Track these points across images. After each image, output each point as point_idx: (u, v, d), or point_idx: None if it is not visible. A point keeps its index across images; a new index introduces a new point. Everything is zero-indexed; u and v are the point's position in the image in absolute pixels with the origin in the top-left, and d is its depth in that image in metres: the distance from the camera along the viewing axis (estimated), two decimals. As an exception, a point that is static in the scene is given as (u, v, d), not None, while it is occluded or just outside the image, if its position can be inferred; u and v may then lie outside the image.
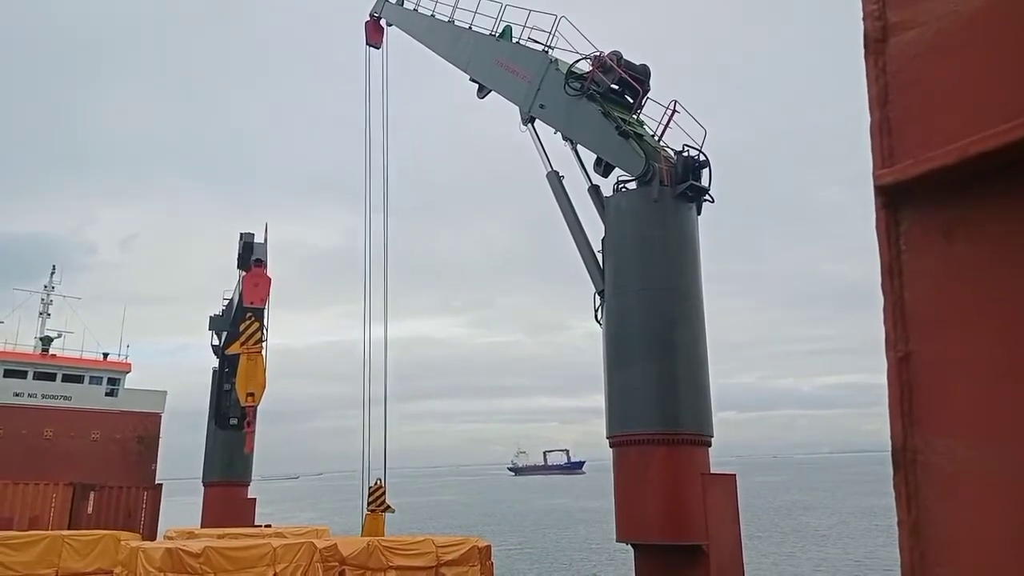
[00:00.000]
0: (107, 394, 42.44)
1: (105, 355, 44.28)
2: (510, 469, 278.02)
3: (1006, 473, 1.10)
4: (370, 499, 26.62)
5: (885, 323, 1.26)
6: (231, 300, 38.18)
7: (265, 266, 33.22)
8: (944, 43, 1.24)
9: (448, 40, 26.06)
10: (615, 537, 17.72)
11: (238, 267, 35.26)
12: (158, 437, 41.76)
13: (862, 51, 1.32)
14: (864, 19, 1.34)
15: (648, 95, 20.66)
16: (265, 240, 34.17)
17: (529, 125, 21.94)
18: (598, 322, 18.89)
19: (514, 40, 22.95)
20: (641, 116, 20.80)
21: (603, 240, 19.14)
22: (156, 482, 35.89)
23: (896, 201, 1.28)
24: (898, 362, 1.25)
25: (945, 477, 1.17)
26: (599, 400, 18.63)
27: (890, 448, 1.22)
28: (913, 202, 1.26)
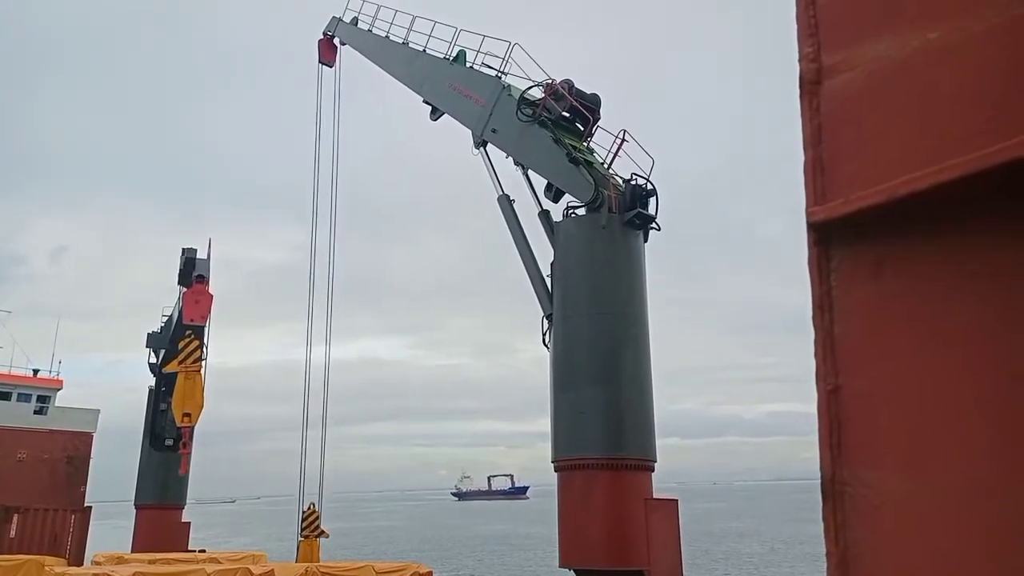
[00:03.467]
0: (36, 412, 40.74)
1: (35, 371, 42.61)
2: (454, 494, 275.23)
3: (931, 504, 1.12)
4: (303, 524, 26.02)
5: (816, 356, 1.28)
6: (170, 317, 37.18)
7: (207, 283, 32.50)
8: (876, 86, 1.28)
9: (402, 62, 26.13)
10: (558, 562, 17.67)
11: (179, 283, 34.40)
12: (89, 457, 40.21)
13: (797, 92, 1.37)
14: (800, 61, 1.39)
15: (598, 124, 21.04)
16: (208, 256, 33.46)
17: (481, 149, 22.09)
18: (546, 346, 18.98)
19: (468, 65, 23.15)
20: (591, 144, 21.16)
21: (552, 264, 19.31)
22: (85, 504, 34.48)
23: (827, 238, 1.30)
24: (828, 395, 1.27)
25: (872, 509, 1.19)
26: (545, 424, 18.68)
27: (819, 479, 1.24)
28: (844, 239, 1.28)
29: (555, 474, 18.01)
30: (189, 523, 35.42)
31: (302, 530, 25.90)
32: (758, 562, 58.49)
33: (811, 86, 1.37)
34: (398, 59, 26.43)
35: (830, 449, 1.25)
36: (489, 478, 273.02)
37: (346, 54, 32.25)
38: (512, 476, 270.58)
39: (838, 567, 1.21)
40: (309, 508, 25.99)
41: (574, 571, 17.54)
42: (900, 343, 1.20)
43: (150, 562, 20.45)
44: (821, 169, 1.32)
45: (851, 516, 1.21)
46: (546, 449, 18.52)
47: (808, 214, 1.32)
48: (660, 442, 18.13)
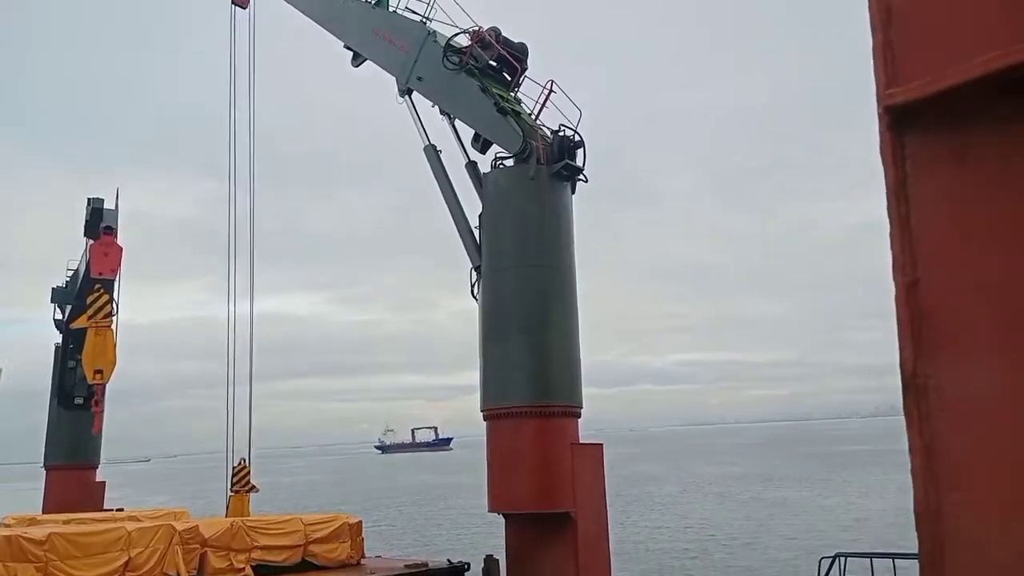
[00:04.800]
0: (-69, 372, 38.35)
1: (-72, 329, 40.01)
2: (377, 447, 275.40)
3: (1017, 396, 1.11)
4: (234, 479, 25.68)
5: (892, 247, 1.25)
6: (76, 270, 35.39)
7: (116, 234, 31.01)
8: None
9: (322, 3, 25.11)
10: (487, 508, 18.01)
11: (85, 235, 32.66)
12: (-9, 419, 38.28)
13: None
14: None
15: (525, 74, 20.83)
16: (116, 206, 31.81)
17: (406, 97, 21.58)
18: (474, 297, 19.00)
19: (391, 9, 22.45)
20: (519, 94, 20.97)
21: (480, 216, 19.23)
22: (-10, 467, 32.93)
23: (902, 122, 1.25)
24: (906, 287, 1.24)
25: (956, 402, 1.17)
26: (468, 378, 18.90)
27: (899, 374, 1.23)
28: (921, 123, 1.23)
29: (475, 426, 18.27)
30: (104, 483, 34.36)
31: (232, 485, 25.55)
32: (670, 502, 61.28)
33: None
34: (317, 1, 25.39)
35: (911, 343, 1.23)
36: (413, 430, 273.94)
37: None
38: (436, 428, 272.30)
39: (923, 460, 1.20)
40: (239, 464, 25.63)
41: (503, 515, 17.93)
42: (983, 233, 1.17)
43: (65, 522, 19.79)
44: (892, 51, 1.26)
45: (935, 409, 1.20)
46: (469, 402, 18.75)
47: (882, 97, 1.27)
48: (580, 391, 18.49)
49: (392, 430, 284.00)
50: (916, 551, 1.27)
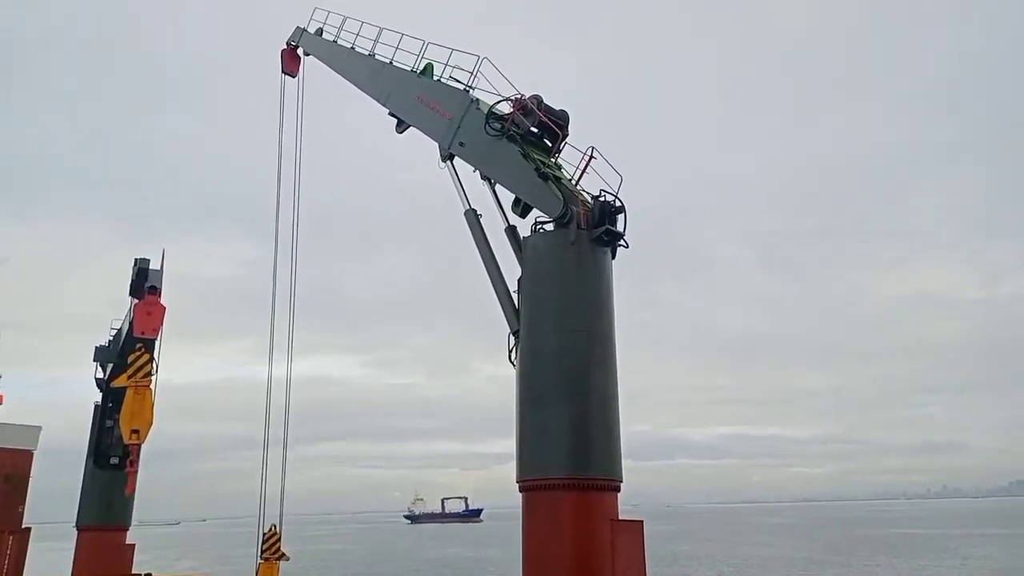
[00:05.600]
0: (-28, 428, 38.81)
1: (-28, 386, 40.64)
2: (406, 517, 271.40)
3: None
4: (264, 546, 25.20)
5: None
6: (120, 330, 35.93)
7: (160, 294, 31.45)
8: None
9: (368, 74, 25.82)
10: (522, 585, 17.22)
11: (130, 294, 33.22)
12: (28, 476, 38.39)
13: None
14: None
15: (567, 140, 20.94)
16: (161, 267, 32.39)
17: (448, 163, 21.82)
18: (512, 363, 18.66)
19: (435, 78, 22.93)
20: (559, 160, 21.05)
21: (519, 280, 19.05)
22: (24, 526, 32.85)
23: None
24: None
25: None
26: (501, 445, 18.45)
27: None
28: None
29: (508, 497, 17.65)
30: (134, 545, 34.05)
31: (262, 552, 25.09)
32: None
33: None
34: (363, 70, 26.11)
35: None
36: (443, 500, 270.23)
37: (309, 65, 31.83)
38: (466, 498, 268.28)
39: None
40: (270, 530, 25.19)
41: (538, 594, 17.12)
42: None
43: (92, 586, 19.43)
44: None
45: None
46: (501, 471, 18.29)
47: None
48: (619, 464, 17.80)
49: (422, 499, 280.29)
50: None
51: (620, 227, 18.74)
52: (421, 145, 23.02)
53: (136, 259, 32.62)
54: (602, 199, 18.79)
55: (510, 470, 17.94)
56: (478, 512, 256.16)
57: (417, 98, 23.09)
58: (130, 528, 35.03)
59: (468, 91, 21.86)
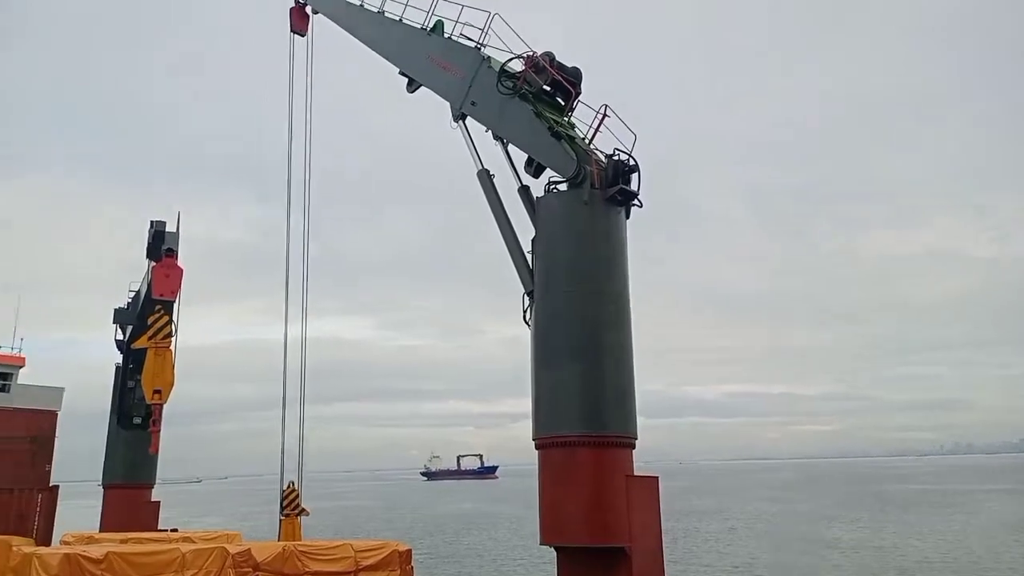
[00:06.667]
0: (-2, 390, 39.62)
1: (-5, 348, 41.36)
2: (423, 474, 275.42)
3: None
4: (283, 503, 25.77)
5: None
6: (138, 292, 36.32)
7: (176, 256, 31.71)
8: None
9: (377, 31, 25.48)
10: (539, 540, 17.59)
11: (147, 257, 33.52)
12: (54, 436, 39.24)
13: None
14: None
15: (579, 98, 20.72)
16: (177, 229, 32.60)
17: (460, 122, 21.67)
18: (526, 323, 18.77)
19: (446, 35, 22.65)
20: (572, 119, 20.86)
21: (533, 241, 19.05)
22: (51, 484, 33.71)
23: None
24: None
25: None
26: (513, 405, 18.70)
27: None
28: None
29: (523, 454, 17.89)
30: (159, 502, 34.91)
31: (283, 508, 25.66)
32: (716, 540, 59.54)
33: None
34: (373, 28, 25.76)
35: None
36: (458, 458, 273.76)
37: (318, 23, 31.50)
38: (481, 456, 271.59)
39: None
40: (289, 487, 25.75)
41: (555, 548, 17.49)
42: None
43: (122, 541, 20.02)
44: None
45: None
46: (515, 429, 18.55)
47: None
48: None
49: (438, 457, 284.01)
50: None
51: (634, 186, 18.66)
52: (431, 106, 22.84)
53: (152, 222, 32.84)
54: (616, 158, 18.68)
55: (524, 429, 18.20)
56: (493, 469, 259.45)
57: (428, 57, 22.84)
58: (154, 486, 35.88)
59: (479, 49, 21.61)
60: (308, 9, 31.87)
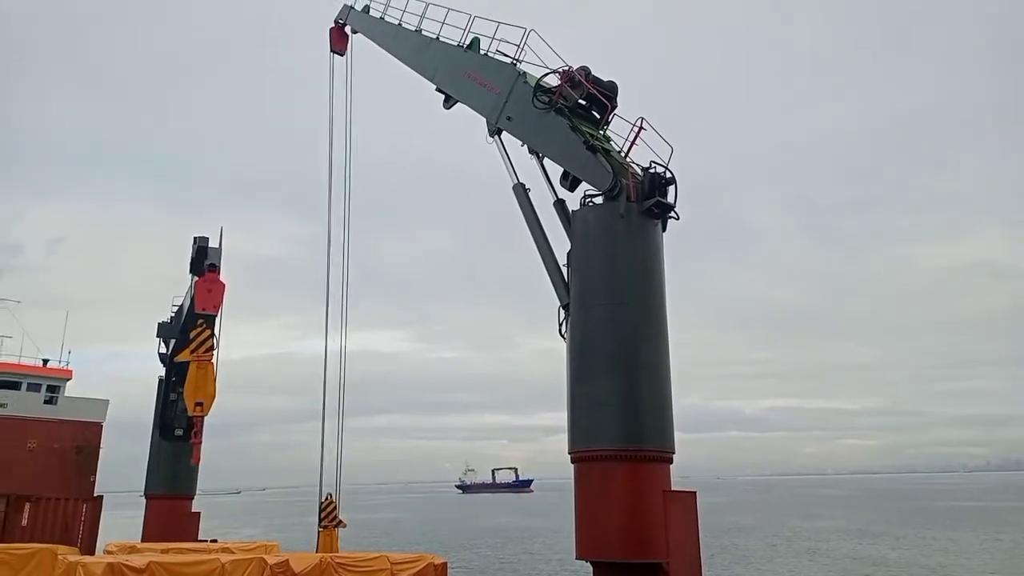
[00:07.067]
0: (46, 402, 40.77)
1: (45, 361, 42.57)
2: (457, 487, 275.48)
3: None
4: (321, 515, 26.00)
5: None
6: (181, 306, 37.07)
7: (219, 271, 32.32)
8: None
9: (415, 49, 25.88)
10: (575, 555, 17.48)
11: (191, 272, 34.24)
12: (99, 447, 40.19)
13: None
14: None
15: (615, 111, 20.75)
16: (220, 245, 33.25)
17: (496, 137, 21.84)
18: (562, 336, 18.74)
19: (482, 52, 22.88)
20: (608, 132, 20.88)
21: (569, 254, 19.05)
22: (95, 494, 34.45)
23: None
24: None
25: None
26: (548, 419, 18.63)
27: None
28: None
29: (557, 468, 17.84)
30: (199, 513, 35.42)
31: (321, 520, 25.89)
32: (756, 557, 58.42)
33: None
34: (410, 46, 26.18)
35: None
36: (493, 471, 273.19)
37: (357, 42, 32.04)
38: (516, 469, 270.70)
39: None
40: (326, 499, 25.99)
41: (591, 563, 17.35)
42: None
43: (163, 551, 20.35)
44: None
45: None
46: (549, 443, 18.47)
47: None
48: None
49: (473, 470, 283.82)
50: None
51: (671, 199, 18.57)
52: (467, 122, 23.05)
53: (195, 237, 33.54)
54: (652, 171, 18.62)
55: (559, 442, 18.12)
56: (528, 483, 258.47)
57: (464, 73, 23.09)
58: (195, 497, 36.46)
59: (515, 64, 21.78)
60: (347, 29, 32.44)
